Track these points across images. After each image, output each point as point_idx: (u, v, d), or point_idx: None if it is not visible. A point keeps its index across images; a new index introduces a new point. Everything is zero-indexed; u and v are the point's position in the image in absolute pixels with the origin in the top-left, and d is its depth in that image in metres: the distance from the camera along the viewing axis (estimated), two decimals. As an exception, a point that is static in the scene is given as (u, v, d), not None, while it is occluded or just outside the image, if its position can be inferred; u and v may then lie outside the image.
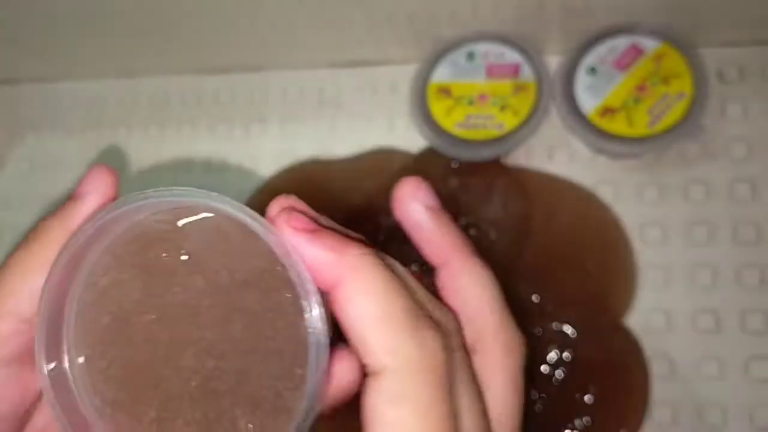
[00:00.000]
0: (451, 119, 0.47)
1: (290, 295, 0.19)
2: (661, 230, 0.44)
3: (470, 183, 0.46)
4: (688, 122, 0.43)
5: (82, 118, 0.56)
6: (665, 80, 0.44)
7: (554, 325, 0.42)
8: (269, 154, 0.52)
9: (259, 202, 0.28)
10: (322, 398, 0.19)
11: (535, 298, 0.43)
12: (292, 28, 0.49)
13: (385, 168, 0.48)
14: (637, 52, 0.45)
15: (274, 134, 0.52)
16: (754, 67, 0.46)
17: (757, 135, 0.44)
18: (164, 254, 0.20)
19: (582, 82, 0.45)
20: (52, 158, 0.56)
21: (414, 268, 0.46)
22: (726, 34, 0.45)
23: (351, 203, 0.47)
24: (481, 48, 0.48)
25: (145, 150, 0.54)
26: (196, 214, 0.20)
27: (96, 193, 0.22)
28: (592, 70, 0.45)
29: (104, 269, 0.20)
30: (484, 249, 0.45)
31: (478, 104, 0.47)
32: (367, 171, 0.48)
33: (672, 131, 0.43)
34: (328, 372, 0.19)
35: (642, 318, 0.43)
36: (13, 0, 0.46)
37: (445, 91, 0.48)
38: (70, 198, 0.23)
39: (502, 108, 0.46)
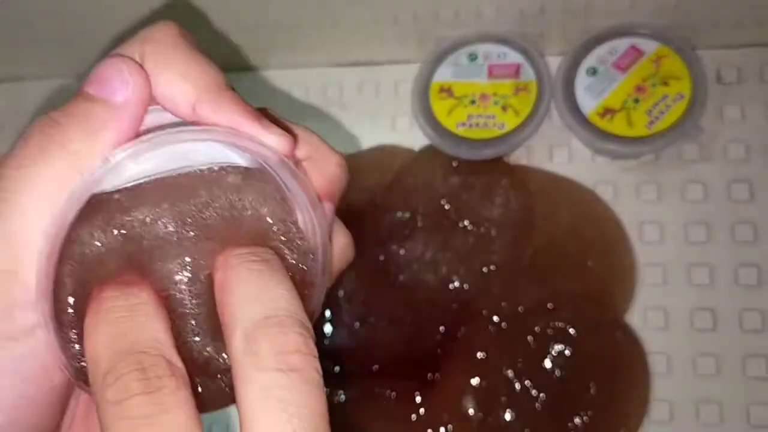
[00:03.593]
0: (453, 119, 0.47)
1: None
2: (659, 229, 0.45)
3: (471, 181, 0.46)
4: (687, 123, 0.43)
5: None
6: (664, 81, 0.45)
7: (555, 323, 0.43)
8: (273, 151, 0.52)
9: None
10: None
11: (535, 295, 0.44)
12: (297, 28, 0.49)
13: (387, 166, 0.49)
14: (636, 53, 0.46)
15: (278, 132, 0.53)
16: (752, 68, 0.46)
17: (754, 136, 0.45)
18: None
19: (582, 82, 0.46)
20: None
21: (415, 266, 0.46)
22: (724, 36, 0.46)
23: (353, 200, 0.48)
24: (482, 48, 0.48)
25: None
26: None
27: (133, 96, 0.16)
28: (593, 71, 0.46)
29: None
30: (485, 247, 0.46)
31: (480, 104, 0.47)
32: (369, 168, 0.49)
33: (671, 132, 0.43)
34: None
35: (640, 315, 0.43)
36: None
37: (447, 90, 0.48)
38: (82, 94, 0.16)
39: (504, 108, 0.47)
